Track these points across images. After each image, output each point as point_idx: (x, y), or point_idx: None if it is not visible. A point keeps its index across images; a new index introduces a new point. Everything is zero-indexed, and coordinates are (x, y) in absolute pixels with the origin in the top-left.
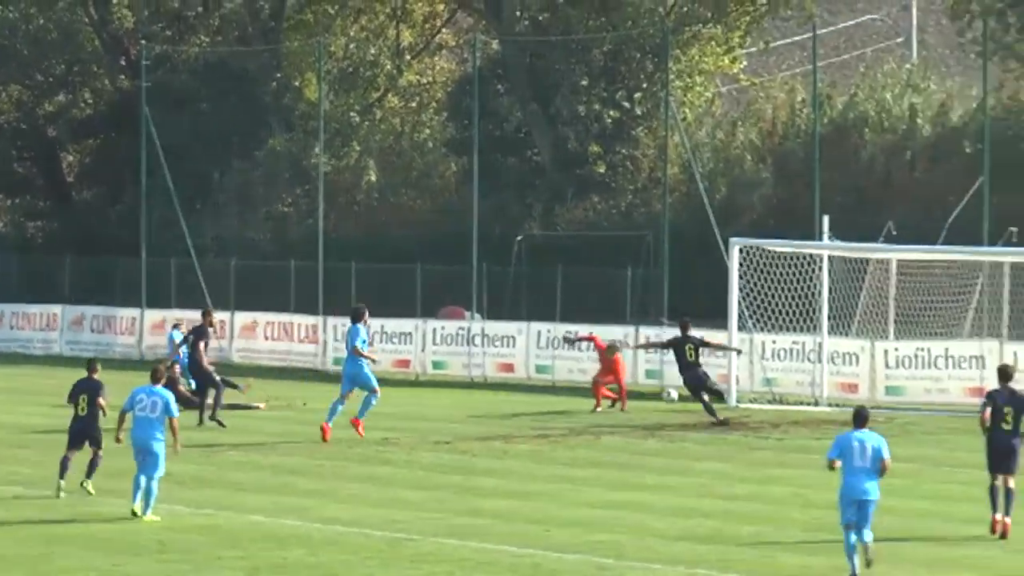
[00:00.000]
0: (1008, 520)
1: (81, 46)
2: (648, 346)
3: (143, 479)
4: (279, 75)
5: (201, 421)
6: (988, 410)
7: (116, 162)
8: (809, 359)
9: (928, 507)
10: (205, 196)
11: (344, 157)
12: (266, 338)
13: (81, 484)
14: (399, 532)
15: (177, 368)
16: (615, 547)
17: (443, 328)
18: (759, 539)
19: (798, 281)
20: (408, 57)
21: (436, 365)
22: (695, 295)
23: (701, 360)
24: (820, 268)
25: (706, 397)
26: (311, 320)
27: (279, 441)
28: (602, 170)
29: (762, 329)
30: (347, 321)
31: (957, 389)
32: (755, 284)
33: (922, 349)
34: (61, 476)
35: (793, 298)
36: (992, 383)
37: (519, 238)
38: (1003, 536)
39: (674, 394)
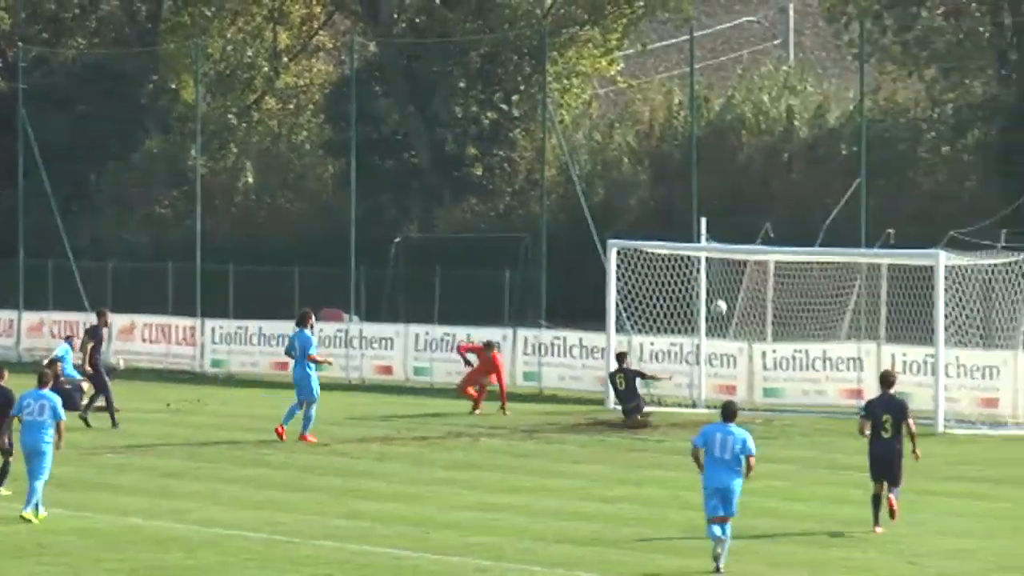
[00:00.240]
0: (892, 496)
1: None
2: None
3: (34, 483)
4: (156, 77)
5: (114, 423)
6: (867, 422)
7: None
8: (687, 361)
9: (805, 509)
10: (82, 198)
11: (221, 159)
12: (144, 340)
13: None
14: (278, 534)
15: (60, 366)
16: (494, 549)
17: (321, 330)
18: (638, 541)
19: (676, 283)
20: (285, 59)
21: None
22: (573, 297)
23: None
24: (698, 270)
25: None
26: (189, 322)
27: (158, 444)
28: (479, 172)
29: (640, 331)
30: (225, 323)
31: (835, 391)
32: (633, 286)
33: (800, 351)
34: None
35: (671, 300)
36: (869, 384)
37: (397, 240)
38: (890, 515)
39: (723, 305)
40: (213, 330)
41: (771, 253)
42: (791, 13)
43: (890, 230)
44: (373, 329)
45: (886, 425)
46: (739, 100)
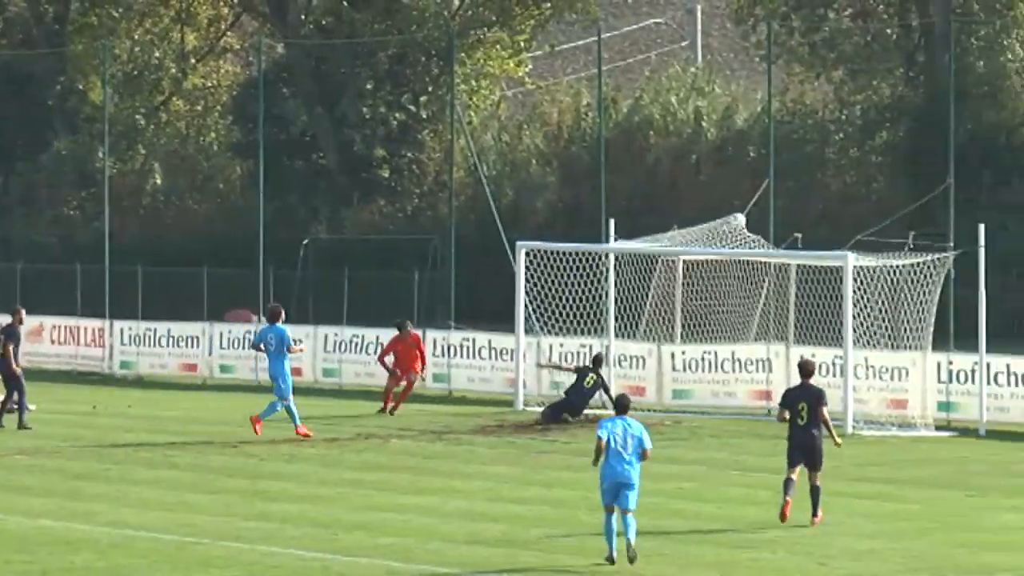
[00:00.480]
0: (817, 519)
1: None
2: (553, 366)
3: None
4: (63, 78)
5: (21, 424)
6: (785, 410)
7: None
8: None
9: (715, 510)
10: None
11: (129, 160)
12: (52, 342)
13: None
14: (188, 536)
15: None
16: (404, 550)
17: (230, 331)
18: (547, 542)
19: (585, 284)
20: (193, 60)
21: (223, 369)
22: (482, 299)
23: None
24: (606, 271)
25: (567, 417)
26: (97, 323)
27: (67, 445)
28: (387, 174)
29: (549, 332)
30: (134, 324)
31: (744, 392)
32: (542, 287)
33: (709, 352)
34: None
35: (580, 301)
36: (779, 386)
37: (305, 242)
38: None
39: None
40: (122, 331)
41: (677, 251)
42: (699, 15)
43: (797, 234)
44: None
45: (802, 412)
46: (647, 101)
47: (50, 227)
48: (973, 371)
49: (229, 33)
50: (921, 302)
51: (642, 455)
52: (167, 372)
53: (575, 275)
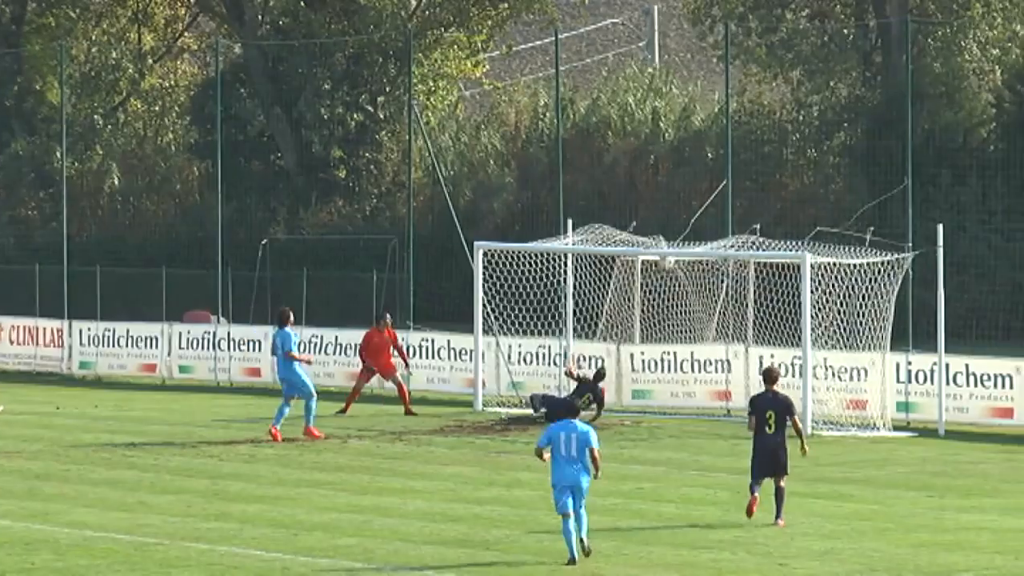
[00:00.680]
0: (781, 522)
1: None
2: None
3: None
4: (20, 79)
5: None
6: (752, 418)
7: None
8: (555, 363)
9: (674, 511)
10: None
11: (87, 161)
12: (11, 342)
13: None
14: (147, 536)
15: None
16: (363, 551)
17: (189, 332)
18: (508, 542)
19: (543, 285)
20: (150, 61)
21: (182, 369)
22: (441, 299)
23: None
24: (565, 272)
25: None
26: (56, 324)
27: (25, 445)
28: (344, 174)
29: (508, 332)
30: (93, 325)
31: (703, 393)
32: (501, 288)
33: (668, 353)
34: None
35: (539, 302)
36: (738, 386)
37: (264, 242)
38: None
39: (671, 261)
40: (81, 332)
41: (637, 254)
42: (655, 15)
43: (755, 225)
44: (241, 331)
45: (770, 421)
46: (605, 102)
47: (8, 228)
48: (932, 371)
49: (186, 34)
50: (879, 302)
51: (591, 457)
52: (126, 372)
53: (533, 276)
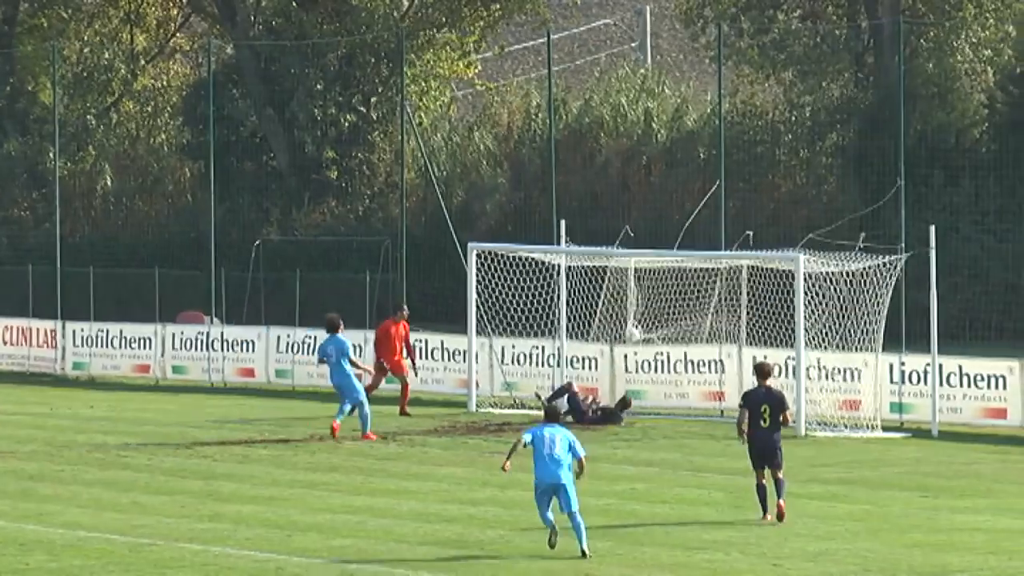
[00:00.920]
0: (782, 502)
1: None
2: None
3: None
4: (13, 79)
5: None
6: (745, 412)
7: None
8: (549, 364)
9: (668, 511)
10: None
11: (80, 161)
12: (4, 343)
13: None
14: (141, 537)
15: None
16: (358, 552)
17: (182, 333)
18: (502, 543)
19: (536, 286)
20: (143, 61)
21: (176, 370)
22: (434, 300)
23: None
24: (558, 273)
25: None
26: (49, 325)
27: (18, 446)
28: (336, 175)
29: (502, 333)
30: (86, 325)
31: (696, 394)
32: (494, 289)
33: (661, 354)
34: None
35: (532, 302)
36: (731, 387)
37: (256, 243)
38: (779, 518)
39: (637, 333)
40: (74, 333)
41: (630, 255)
42: (648, 16)
43: (748, 232)
44: (234, 331)
45: (764, 415)
46: (597, 103)
47: (0, 228)
48: (925, 372)
49: (179, 34)
50: (873, 303)
51: (579, 465)
52: (120, 373)
53: (527, 276)
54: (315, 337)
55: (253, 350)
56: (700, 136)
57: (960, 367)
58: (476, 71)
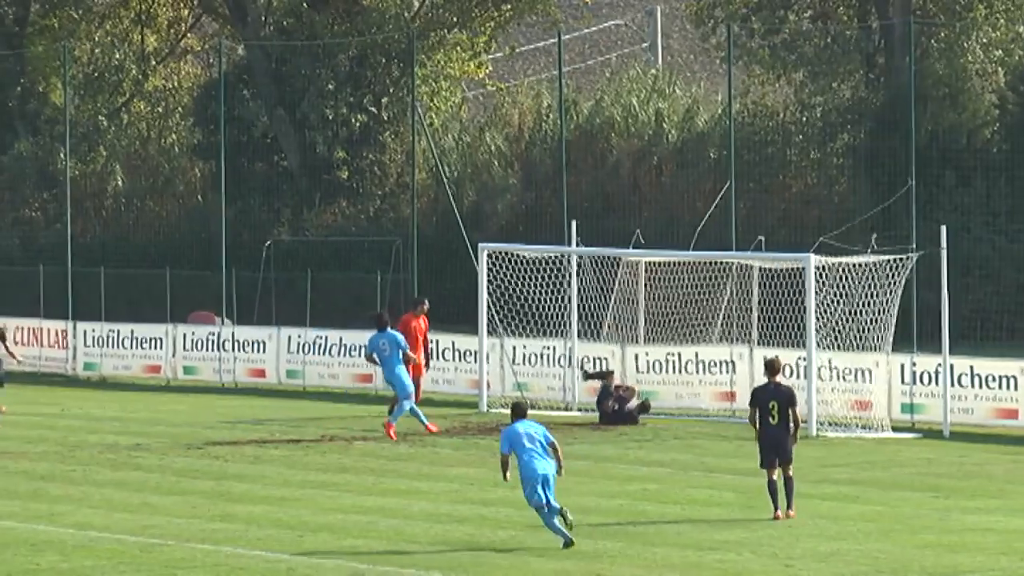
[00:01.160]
0: (792, 512)
1: None
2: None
3: None
4: (24, 80)
5: None
6: (755, 410)
7: None
8: (560, 364)
9: (679, 512)
10: None
11: (91, 162)
12: (15, 343)
13: None
14: (152, 537)
15: None
16: (369, 552)
17: (193, 333)
18: (514, 544)
19: (548, 286)
20: (154, 62)
21: (187, 370)
22: (445, 300)
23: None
24: (569, 273)
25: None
26: (61, 325)
27: (30, 447)
28: (347, 175)
29: (513, 334)
30: (97, 326)
31: (708, 394)
32: (505, 289)
33: (672, 354)
34: None
35: (543, 303)
36: (742, 387)
37: (267, 243)
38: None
39: (588, 367)
40: (85, 333)
41: (641, 255)
42: (658, 16)
43: (760, 237)
44: (245, 332)
45: (773, 412)
46: (608, 103)
47: (12, 229)
48: (937, 372)
49: (189, 35)
50: (883, 303)
51: (554, 451)
52: (131, 373)
53: (538, 277)
54: (325, 338)
55: (264, 351)
56: (711, 137)
57: (971, 367)
58: (487, 72)
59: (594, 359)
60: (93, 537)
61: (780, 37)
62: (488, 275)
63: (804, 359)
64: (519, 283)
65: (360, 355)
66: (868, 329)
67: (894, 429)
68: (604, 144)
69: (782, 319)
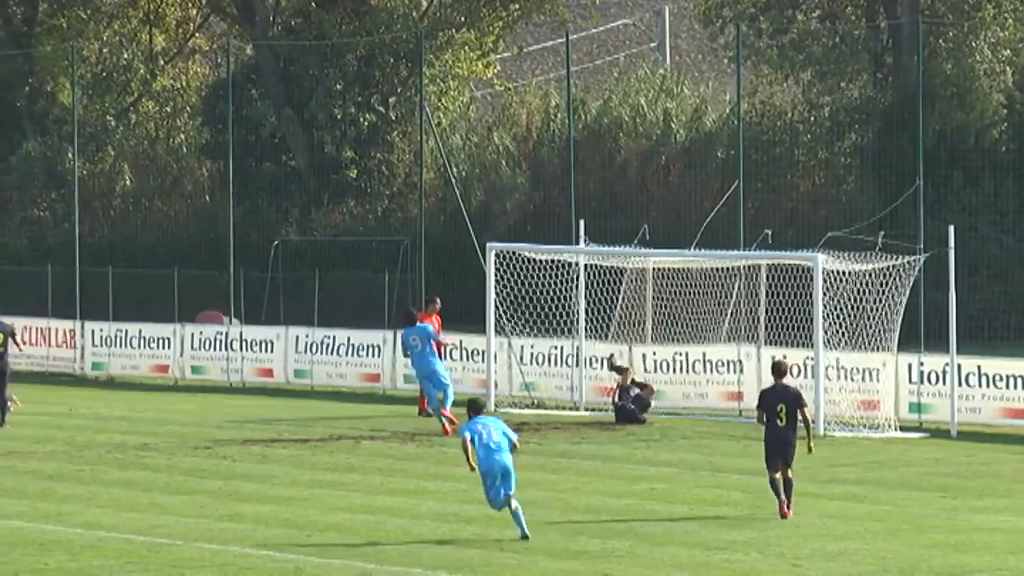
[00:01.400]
0: (790, 511)
1: None
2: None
3: None
4: (32, 80)
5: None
6: (762, 411)
7: None
8: (567, 363)
9: (687, 511)
10: None
11: (99, 162)
12: (24, 343)
13: None
14: (160, 537)
15: None
16: (377, 552)
17: (201, 333)
18: (521, 543)
19: (555, 286)
20: (162, 62)
21: (195, 370)
22: (453, 300)
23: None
24: (577, 273)
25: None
26: (69, 325)
27: (38, 446)
28: (355, 175)
29: (520, 333)
30: (105, 325)
31: (715, 394)
32: (513, 289)
33: (680, 353)
34: None
35: (551, 303)
36: (750, 387)
37: (275, 243)
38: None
39: (538, 392)
40: (93, 333)
41: (649, 255)
42: (667, 16)
43: (767, 231)
44: (253, 332)
45: (780, 414)
46: (616, 103)
47: (20, 229)
48: (944, 372)
49: (198, 34)
50: (891, 304)
51: (513, 447)
52: (139, 373)
53: (546, 276)
54: (333, 337)
55: (272, 350)
56: (719, 136)
57: (979, 367)
58: (495, 71)
59: (602, 359)
60: (101, 537)
61: (788, 37)
62: (496, 275)
63: (812, 359)
64: (527, 283)
65: (368, 355)
66: (875, 329)
67: (901, 429)
68: (612, 144)
69: (790, 319)
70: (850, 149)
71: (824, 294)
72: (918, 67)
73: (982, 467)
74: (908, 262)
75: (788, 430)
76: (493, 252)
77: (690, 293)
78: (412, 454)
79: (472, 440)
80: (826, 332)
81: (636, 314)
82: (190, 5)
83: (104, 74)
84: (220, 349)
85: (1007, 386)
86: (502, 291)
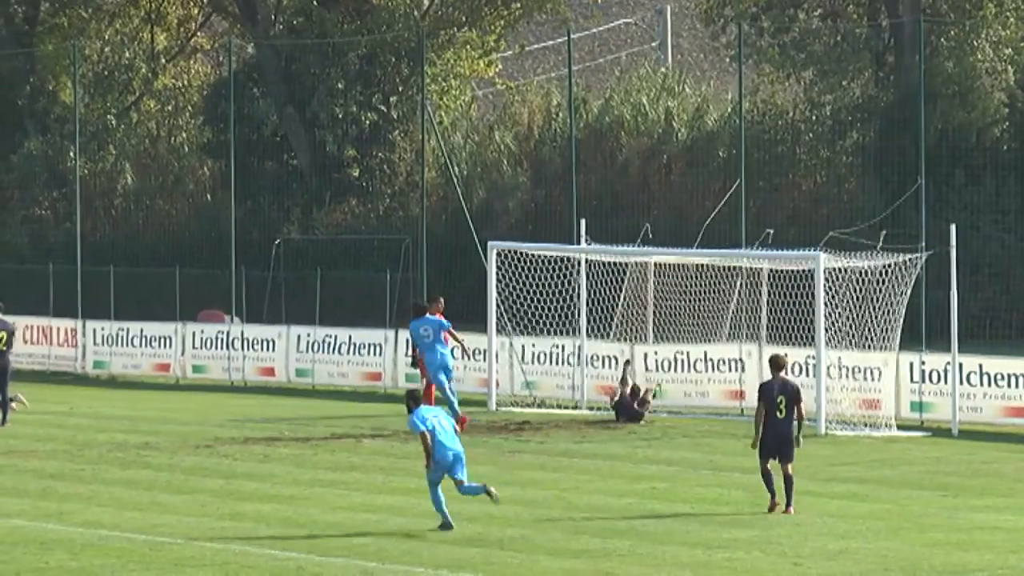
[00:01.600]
0: (791, 509)
1: None
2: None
3: None
4: (33, 78)
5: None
6: (763, 404)
7: None
8: (569, 362)
9: (688, 510)
10: None
11: (100, 161)
12: (25, 342)
13: None
14: (161, 536)
15: None
16: (378, 550)
17: (202, 331)
18: (522, 542)
19: (557, 285)
20: (163, 61)
21: (196, 369)
22: (454, 299)
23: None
24: (578, 272)
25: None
26: (70, 324)
27: (39, 445)
28: (357, 174)
29: (522, 332)
30: (107, 324)
31: (717, 392)
32: (514, 288)
33: (681, 352)
34: None
35: (552, 301)
36: (751, 386)
37: (277, 242)
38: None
39: (539, 391)
40: (94, 331)
41: (650, 254)
42: (668, 15)
43: (769, 230)
44: (255, 331)
45: (780, 406)
46: (618, 102)
47: (22, 227)
48: (945, 371)
49: (199, 33)
50: (893, 302)
51: (456, 431)
52: (140, 372)
53: (547, 275)
54: (335, 336)
55: (273, 349)
56: (720, 135)
57: (980, 366)
58: (496, 70)
59: (603, 358)
60: (102, 535)
61: (790, 36)
62: (497, 273)
63: (813, 357)
64: (528, 282)
65: (369, 354)
66: (877, 327)
67: (903, 428)
68: (614, 143)
69: (791, 318)
70: (852, 148)
71: (826, 293)
72: (920, 66)
73: (983, 466)
74: (909, 261)
75: (786, 423)
76: (494, 251)
77: (691, 292)
78: (413, 453)
79: (432, 433)
80: (827, 331)
81: (638, 313)
82: (192, 4)
83: (106, 73)
84: (221, 348)
85: (1008, 385)
86: (503, 290)
